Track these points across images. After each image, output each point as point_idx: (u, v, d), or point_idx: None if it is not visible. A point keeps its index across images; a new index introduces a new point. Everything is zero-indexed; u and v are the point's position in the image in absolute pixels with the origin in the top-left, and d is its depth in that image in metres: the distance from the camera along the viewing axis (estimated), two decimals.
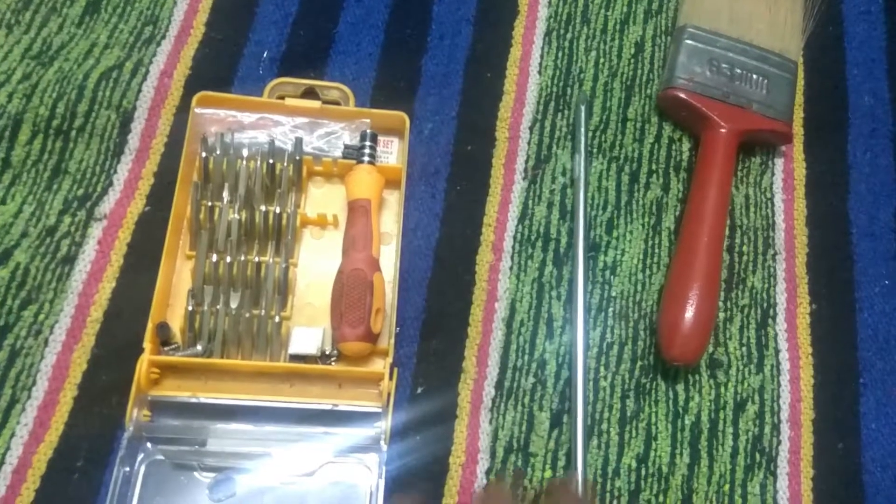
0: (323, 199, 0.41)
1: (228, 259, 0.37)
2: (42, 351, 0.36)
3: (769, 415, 0.39)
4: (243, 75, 0.43)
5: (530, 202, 0.42)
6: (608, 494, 0.37)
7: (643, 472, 0.37)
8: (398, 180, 0.40)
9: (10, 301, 0.37)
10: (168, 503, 0.33)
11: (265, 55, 0.44)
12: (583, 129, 0.43)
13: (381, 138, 0.41)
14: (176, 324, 0.37)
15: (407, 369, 0.38)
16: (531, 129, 0.44)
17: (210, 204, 0.38)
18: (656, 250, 0.42)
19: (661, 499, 0.37)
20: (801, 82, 0.47)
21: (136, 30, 0.44)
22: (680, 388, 0.39)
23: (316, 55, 0.44)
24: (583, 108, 0.44)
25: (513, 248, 0.41)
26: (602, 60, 0.46)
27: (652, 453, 0.38)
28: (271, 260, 0.38)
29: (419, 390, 0.38)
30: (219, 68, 0.44)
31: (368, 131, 0.40)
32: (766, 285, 0.42)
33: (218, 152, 0.39)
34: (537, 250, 0.41)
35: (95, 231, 0.39)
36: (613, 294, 0.41)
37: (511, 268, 0.41)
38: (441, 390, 0.38)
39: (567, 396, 0.38)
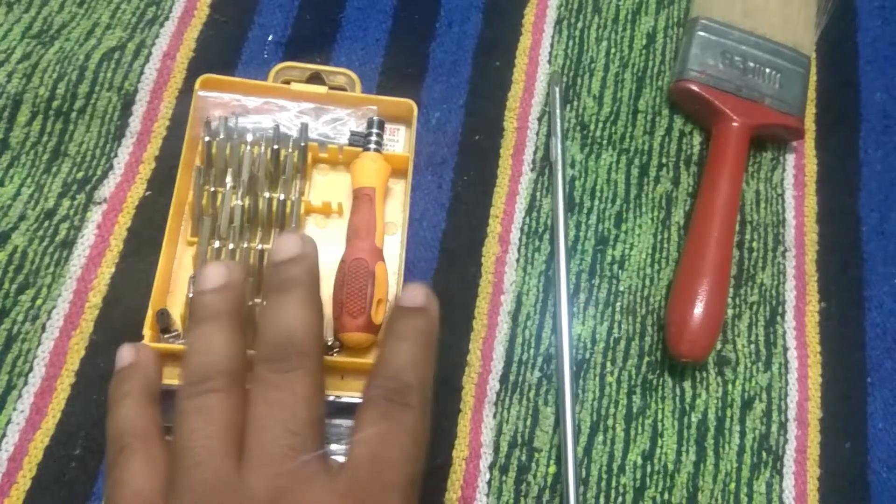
0: (328, 186, 0.40)
1: (231, 246, 0.36)
2: (39, 336, 0.36)
3: (776, 413, 0.39)
4: (247, 59, 0.43)
5: (538, 194, 0.42)
6: (613, 491, 0.36)
7: (649, 468, 0.37)
8: (404, 169, 0.40)
9: (7, 285, 0.36)
10: None
11: (270, 38, 0.43)
12: (558, 112, 0.43)
13: (387, 126, 0.40)
14: (176, 311, 0.36)
15: None
16: (540, 119, 0.43)
17: (213, 189, 0.37)
18: (665, 245, 0.41)
19: (666, 496, 0.36)
20: (813, 77, 0.47)
21: (138, 10, 0.43)
22: (687, 384, 0.39)
23: (322, 39, 0.44)
24: (556, 89, 0.43)
25: (520, 240, 0.41)
26: (613, 51, 0.45)
27: (658, 450, 0.37)
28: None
29: None
30: (223, 51, 0.43)
31: (375, 118, 0.39)
32: (776, 282, 0.41)
33: (221, 137, 0.38)
34: (545, 243, 0.41)
35: (95, 215, 0.38)
36: (621, 289, 0.40)
37: (518, 260, 0.40)
38: (445, 383, 0.37)
39: (573, 391, 0.37)
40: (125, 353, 0.32)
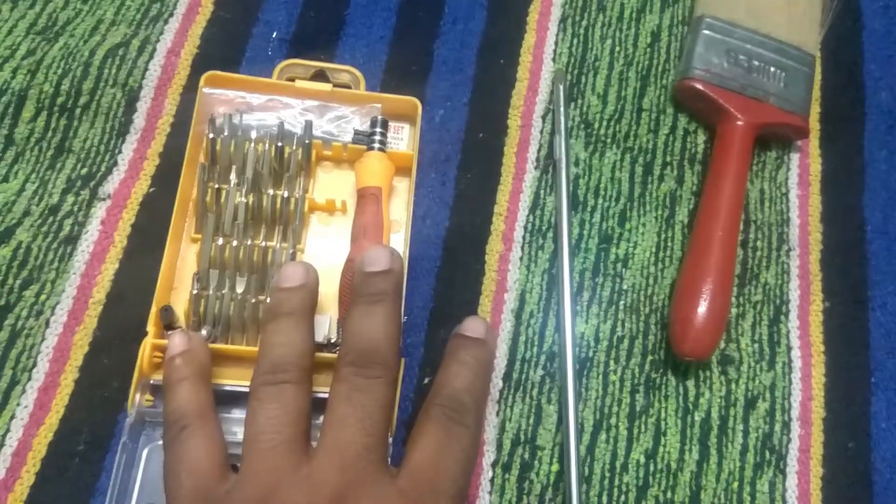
0: (332, 184, 0.40)
1: (235, 243, 0.36)
2: (43, 332, 0.36)
3: (780, 412, 0.39)
4: (252, 56, 0.43)
5: (542, 192, 0.42)
6: (616, 489, 0.36)
7: (651, 467, 0.37)
8: (408, 167, 0.39)
9: (11, 280, 0.36)
10: None
11: (274, 35, 0.43)
12: (562, 110, 0.42)
13: (391, 124, 0.40)
14: (180, 308, 0.36)
15: (414, 359, 0.37)
16: (544, 117, 0.43)
17: (217, 186, 0.37)
18: (669, 244, 0.41)
19: (669, 495, 0.36)
20: (817, 76, 0.47)
21: (143, 7, 0.43)
22: (690, 383, 0.39)
23: (326, 37, 0.44)
24: (560, 87, 0.43)
25: (523, 238, 0.40)
26: (618, 49, 0.45)
27: (661, 449, 0.37)
28: (278, 245, 0.37)
29: (426, 381, 0.37)
30: (227, 48, 0.43)
31: (379, 118, 0.39)
32: (780, 281, 0.41)
33: (225, 133, 0.38)
34: (548, 241, 0.40)
35: (99, 211, 0.38)
36: (625, 287, 0.40)
37: (521, 258, 0.40)
38: None
39: (576, 390, 0.37)
40: (177, 341, 0.33)
